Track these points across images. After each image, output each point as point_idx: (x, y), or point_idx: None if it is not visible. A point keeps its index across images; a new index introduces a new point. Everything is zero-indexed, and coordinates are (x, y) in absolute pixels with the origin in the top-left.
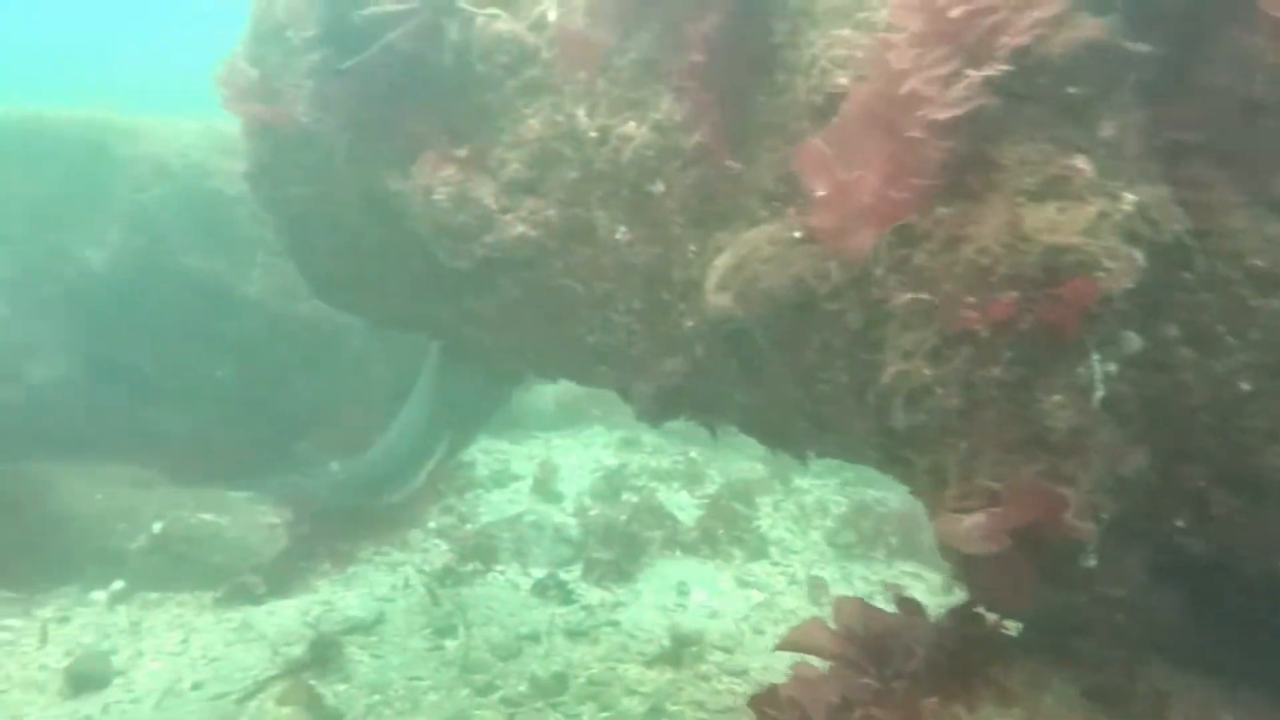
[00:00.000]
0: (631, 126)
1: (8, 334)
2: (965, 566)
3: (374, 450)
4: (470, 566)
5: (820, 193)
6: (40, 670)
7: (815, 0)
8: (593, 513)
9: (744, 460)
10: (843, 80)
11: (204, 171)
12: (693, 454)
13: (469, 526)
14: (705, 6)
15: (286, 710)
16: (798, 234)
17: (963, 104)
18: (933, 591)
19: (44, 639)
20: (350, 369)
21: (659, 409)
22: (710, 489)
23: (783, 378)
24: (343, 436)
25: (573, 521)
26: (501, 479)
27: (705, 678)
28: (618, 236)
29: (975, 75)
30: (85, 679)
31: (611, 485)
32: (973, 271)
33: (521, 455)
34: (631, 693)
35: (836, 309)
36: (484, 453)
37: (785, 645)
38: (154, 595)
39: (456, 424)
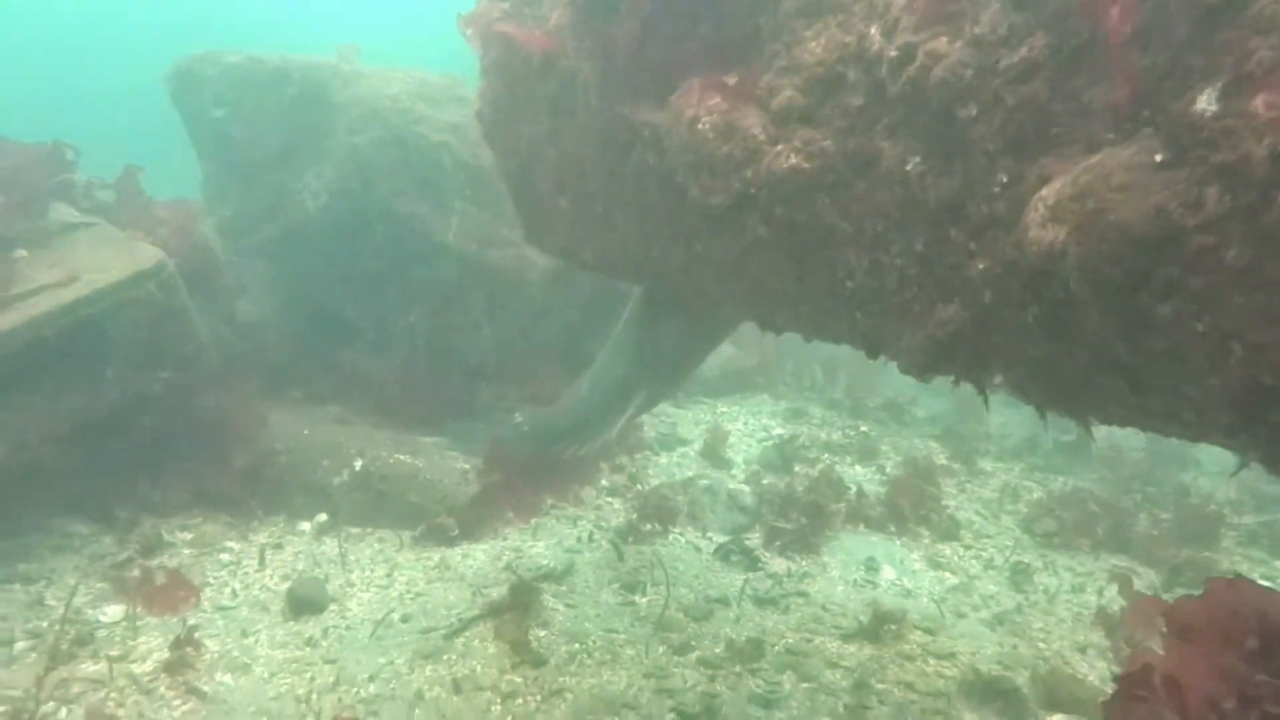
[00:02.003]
0: (943, 43)
1: (228, 272)
2: None
3: (565, 400)
4: (649, 526)
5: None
6: (262, 591)
7: None
8: (765, 481)
9: (917, 438)
10: None
11: (413, 118)
12: (863, 428)
13: (639, 487)
14: None
15: (494, 649)
16: (1160, 157)
17: None
18: (1152, 589)
19: (263, 562)
20: (530, 321)
21: (928, 360)
22: (886, 465)
23: (1101, 328)
24: (522, 388)
25: (746, 489)
26: (669, 442)
27: (909, 658)
28: (908, 168)
29: None
30: (304, 603)
31: (783, 455)
32: None
33: (688, 420)
34: (833, 665)
35: (1210, 242)
36: (650, 415)
37: (1152, 609)
38: (355, 529)
39: (655, 376)
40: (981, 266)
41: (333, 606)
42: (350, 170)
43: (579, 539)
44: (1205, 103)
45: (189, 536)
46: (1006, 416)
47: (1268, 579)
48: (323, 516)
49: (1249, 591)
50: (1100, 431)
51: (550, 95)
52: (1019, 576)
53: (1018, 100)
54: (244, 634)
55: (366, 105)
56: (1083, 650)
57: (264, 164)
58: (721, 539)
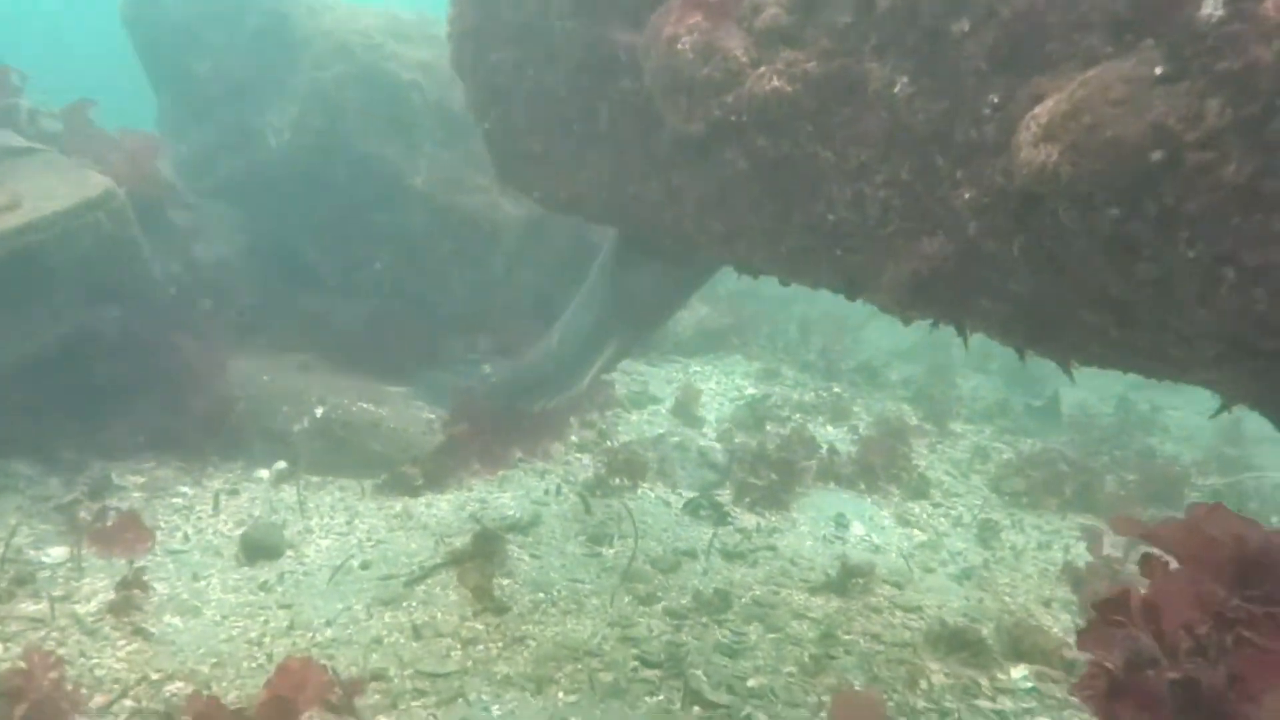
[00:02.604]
0: None
1: (185, 210)
2: None
3: (534, 352)
4: (617, 481)
5: None
6: (215, 535)
7: None
8: (737, 439)
9: (890, 400)
10: None
11: (383, 54)
12: (836, 389)
13: (609, 444)
14: None
15: (456, 597)
16: (1160, 70)
17: None
18: (1117, 548)
19: (217, 507)
20: (502, 272)
21: (910, 297)
22: (858, 425)
23: (1089, 258)
24: (492, 340)
25: (717, 446)
26: (640, 400)
27: (876, 610)
28: (895, 91)
29: None
30: (259, 548)
31: (755, 414)
32: None
33: (660, 378)
34: (800, 617)
35: (1209, 159)
36: (622, 373)
37: (1130, 530)
38: (316, 478)
39: (629, 324)
40: (967, 196)
41: (289, 552)
42: (315, 107)
43: (546, 492)
44: (1211, 7)
45: (140, 480)
46: (978, 381)
47: None
48: (282, 464)
49: (1228, 518)
50: (1071, 396)
51: (523, 20)
52: (987, 534)
53: (1013, 12)
54: (195, 578)
55: (334, 39)
56: (1047, 604)
57: (224, 98)
58: (691, 494)
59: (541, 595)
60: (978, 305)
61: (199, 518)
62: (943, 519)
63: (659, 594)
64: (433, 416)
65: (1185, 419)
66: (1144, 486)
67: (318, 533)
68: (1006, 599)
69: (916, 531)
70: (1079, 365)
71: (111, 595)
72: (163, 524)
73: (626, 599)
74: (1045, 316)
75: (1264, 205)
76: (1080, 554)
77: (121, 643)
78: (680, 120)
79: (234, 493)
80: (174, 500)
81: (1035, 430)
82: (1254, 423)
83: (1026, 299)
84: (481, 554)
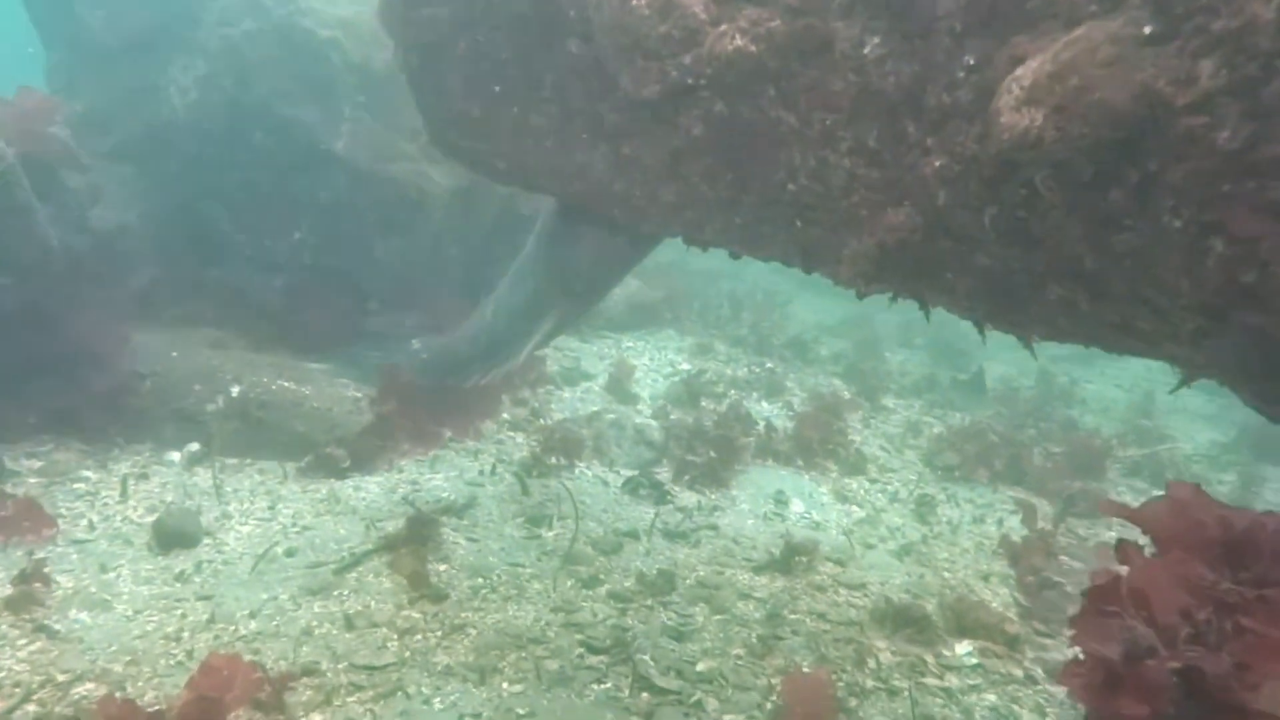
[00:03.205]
0: None
1: (78, 174)
2: None
3: (466, 327)
4: (553, 460)
5: None
6: (124, 523)
7: None
8: (673, 416)
9: (822, 375)
10: None
11: (297, 8)
12: (769, 365)
13: (542, 421)
14: None
15: (390, 584)
16: (1149, 29)
17: None
18: (1047, 519)
19: (125, 493)
20: (429, 243)
21: (874, 270)
22: (792, 400)
23: (1065, 229)
24: (419, 315)
25: (654, 424)
26: (572, 377)
27: (820, 589)
28: (865, 52)
29: None
30: (174, 535)
31: (690, 390)
32: None
33: (591, 354)
34: (745, 597)
35: (1201, 124)
36: (554, 349)
37: (1111, 510)
38: (233, 460)
39: (567, 295)
40: (938, 164)
41: (206, 540)
42: (224, 65)
43: (481, 472)
44: None
45: (37, 465)
46: (904, 356)
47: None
48: (194, 446)
49: (1208, 500)
50: (994, 370)
51: None
52: (924, 509)
53: None
54: (103, 569)
55: None
56: (986, 579)
57: (123, 53)
58: (630, 473)
59: (480, 580)
60: (942, 279)
61: (105, 504)
62: (879, 495)
63: (602, 576)
64: (359, 395)
65: (1101, 391)
66: (1070, 459)
67: (237, 519)
68: (946, 574)
69: (855, 508)
70: (1039, 340)
71: (8, 590)
72: (65, 511)
73: (569, 583)
74: (1012, 290)
75: (1258, 172)
76: (1014, 527)
77: (22, 642)
78: (635, 84)
79: (143, 477)
80: (76, 486)
81: (962, 404)
82: (1164, 396)
83: (995, 272)
84: (416, 539)
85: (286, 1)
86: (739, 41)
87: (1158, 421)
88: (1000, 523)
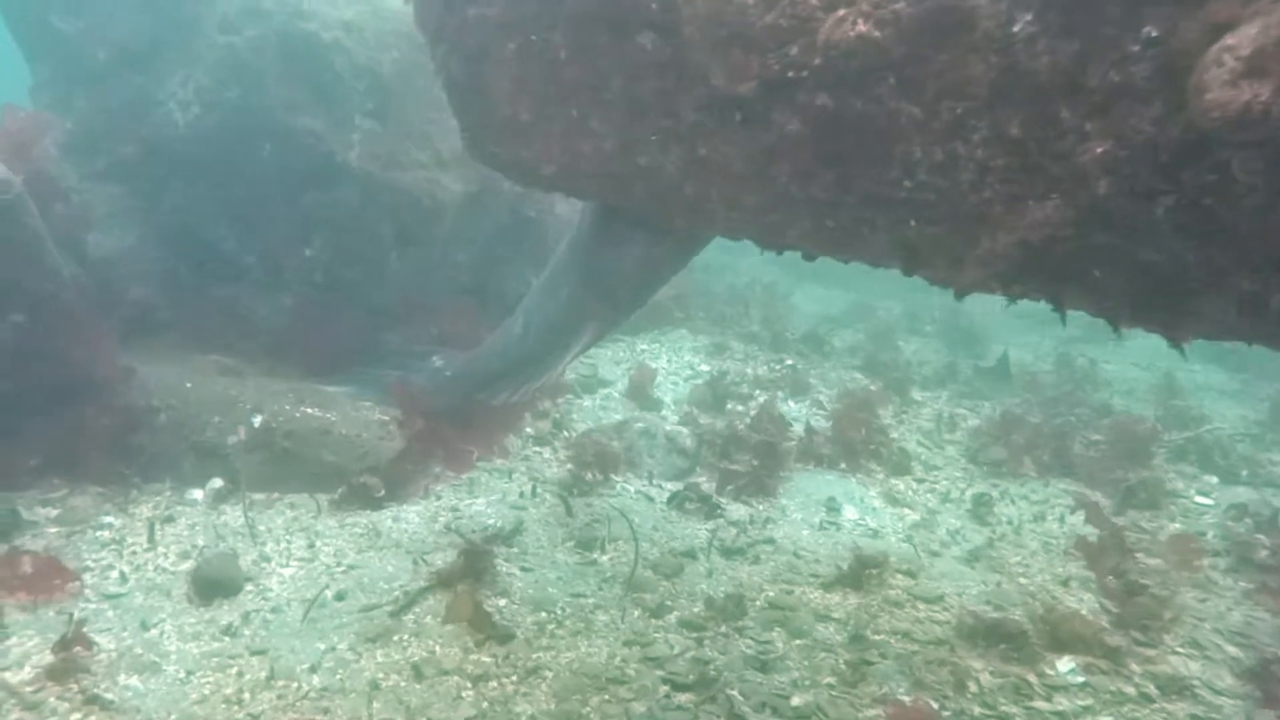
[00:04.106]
0: None
1: (73, 197)
2: None
3: (493, 340)
4: (590, 476)
5: None
6: (158, 573)
7: None
8: (703, 421)
9: (842, 369)
10: None
11: (297, 12)
12: (789, 361)
13: (566, 434)
14: None
15: (451, 625)
16: None
17: None
18: (1107, 513)
19: (152, 539)
20: (441, 253)
21: (1016, 271)
22: (820, 398)
23: (1269, 215)
24: (435, 328)
25: (684, 431)
26: (590, 384)
27: (897, 604)
28: (1015, 30)
29: None
30: (213, 584)
31: (714, 393)
32: None
33: (607, 359)
34: (822, 619)
35: None
36: None
37: None
38: (260, 496)
39: (609, 304)
40: (1100, 150)
41: (249, 587)
42: (227, 76)
43: (521, 494)
44: None
45: (53, 513)
46: (918, 345)
47: (1202, 493)
48: (217, 482)
49: None
50: (1011, 355)
51: None
52: (981, 509)
53: None
54: (144, 626)
55: None
56: (1064, 583)
57: (114, 67)
58: (673, 486)
59: (545, 615)
60: (1089, 278)
61: (134, 552)
62: (929, 495)
63: (669, 603)
64: (385, 418)
65: (1121, 371)
66: (1114, 446)
67: (277, 560)
68: (1022, 580)
69: (907, 510)
70: (1193, 339)
71: (48, 657)
72: (91, 564)
73: (636, 612)
74: (1179, 286)
75: None
76: (1076, 524)
77: (75, 716)
78: (727, 78)
79: (169, 519)
80: (99, 534)
81: (988, 392)
82: (1184, 374)
83: (1161, 267)
84: (471, 572)
85: (286, 4)
86: (862, 27)
87: (1188, 401)
88: (1062, 519)
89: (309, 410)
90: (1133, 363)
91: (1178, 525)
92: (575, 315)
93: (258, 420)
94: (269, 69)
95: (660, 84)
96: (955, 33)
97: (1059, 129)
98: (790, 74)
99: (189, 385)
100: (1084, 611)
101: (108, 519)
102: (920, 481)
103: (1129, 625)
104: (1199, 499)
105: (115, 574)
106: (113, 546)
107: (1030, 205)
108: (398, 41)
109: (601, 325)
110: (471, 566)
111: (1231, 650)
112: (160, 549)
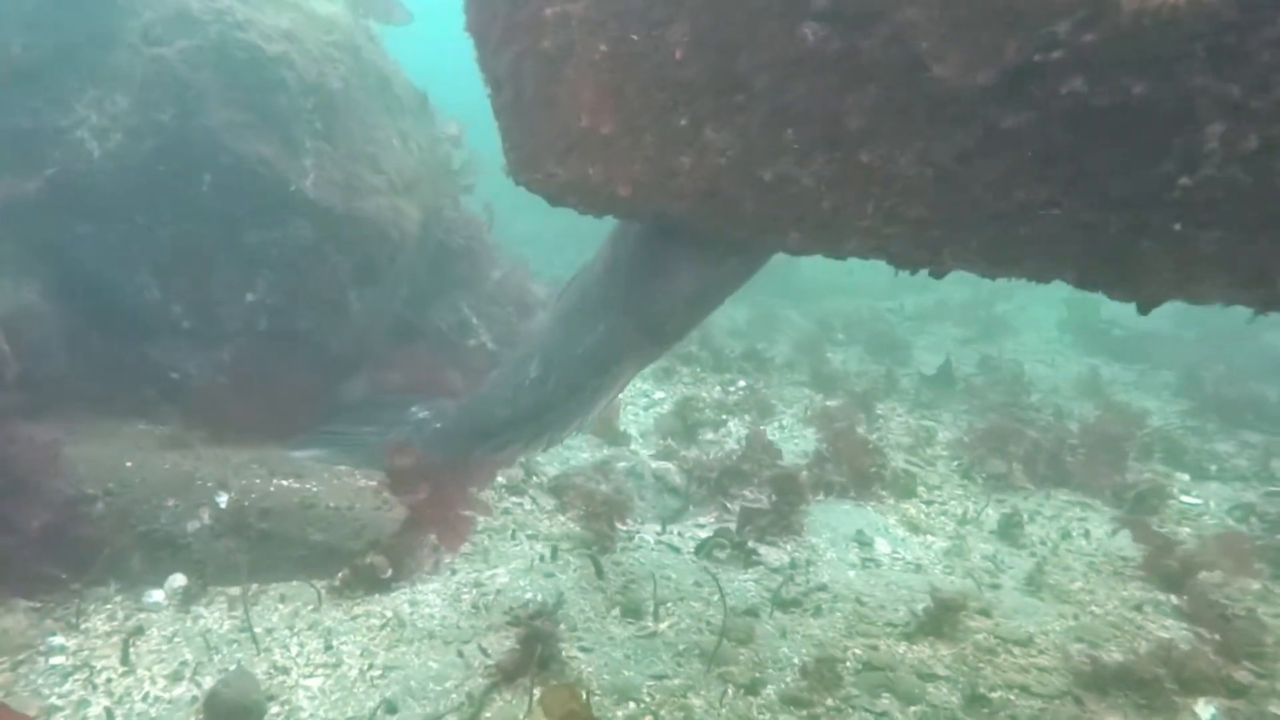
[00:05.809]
0: None
1: None
2: None
3: (495, 384)
4: (598, 527)
5: None
6: (151, 704)
7: None
8: (683, 454)
9: (792, 387)
10: None
11: (234, 21)
12: (742, 383)
13: (536, 479)
14: None
15: None
16: None
17: None
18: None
19: (127, 659)
20: (390, 291)
21: None
22: (784, 421)
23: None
24: (403, 375)
25: (671, 467)
26: None
27: (990, 651)
28: None
29: None
30: (234, 711)
31: (685, 422)
32: None
33: None
34: (925, 677)
35: None
36: None
37: None
38: (234, 590)
39: (655, 336)
40: None
41: (273, 708)
42: (158, 97)
43: (542, 558)
44: None
45: None
46: (843, 355)
47: (1185, 492)
48: (180, 579)
49: None
50: (924, 359)
51: None
52: (1009, 530)
53: None
54: None
55: (169, 4)
56: (1139, 608)
57: (3, 87)
58: (691, 533)
59: (634, 705)
60: None
61: (108, 680)
62: (944, 518)
63: (758, 675)
64: (372, 484)
65: (1031, 370)
66: (1095, 452)
67: (296, 671)
68: (1095, 610)
69: (931, 537)
70: None
71: None
72: (58, 700)
73: (728, 690)
74: None
75: None
76: (1100, 538)
77: None
78: (962, 67)
79: (137, 631)
80: (54, 661)
81: (936, 401)
82: (1085, 369)
83: None
84: (536, 660)
85: (220, 12)
86: None
87: (1121, 397)
88: (1087, 534)
89: (284, 482)
90: (1038, 360)
91: (1187, 530)
92: (613, 351)
93: (224, 499)
94: (208, 87)
95: (818, 83)
96: None
97: None
98: (1037, 57)
99: (129, 464)
100: (1181, 643)
101: (56, 640)
102: (929, 504)
103: (1237, 655)
104: (1185, 499)
105: (95, 711)
106: (78, 676)
107: None
108: (343, 55)
109: (640, 363)
110: (532, 653)
111: None
112: (141, 671)
